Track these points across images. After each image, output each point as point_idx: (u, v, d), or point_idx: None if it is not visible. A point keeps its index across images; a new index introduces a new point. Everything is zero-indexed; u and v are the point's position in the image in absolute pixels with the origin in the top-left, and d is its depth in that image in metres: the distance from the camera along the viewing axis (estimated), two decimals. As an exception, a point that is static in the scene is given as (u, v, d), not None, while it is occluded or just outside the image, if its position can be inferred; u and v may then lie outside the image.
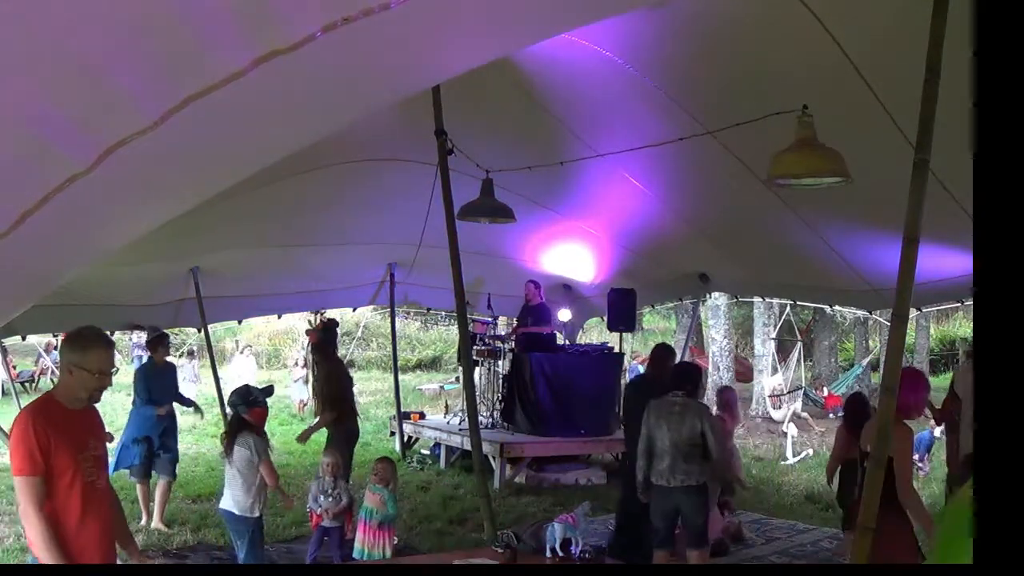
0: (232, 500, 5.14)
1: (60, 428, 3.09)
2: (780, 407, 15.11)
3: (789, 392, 15.41)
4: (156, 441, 7.42)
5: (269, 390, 5.63)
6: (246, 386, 5.69)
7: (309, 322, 9.11)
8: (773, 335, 16.92)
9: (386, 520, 5.72)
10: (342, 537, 6.00)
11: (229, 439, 5.18)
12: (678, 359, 13.98)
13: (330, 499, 5.90)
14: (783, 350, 17.22)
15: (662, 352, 6.83)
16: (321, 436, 7.41)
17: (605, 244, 9.58)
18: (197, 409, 8.53)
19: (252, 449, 5.11)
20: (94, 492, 3.17)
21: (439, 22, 1.66)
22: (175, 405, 7.80)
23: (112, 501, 3.38)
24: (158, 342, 7.85)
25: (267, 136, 1.92)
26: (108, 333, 3.74)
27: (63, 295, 7.28)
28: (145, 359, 8.78)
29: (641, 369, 16.95)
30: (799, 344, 16.59)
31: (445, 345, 26.15)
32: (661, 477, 5.28)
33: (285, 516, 7.35)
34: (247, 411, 5.25)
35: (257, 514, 5.17)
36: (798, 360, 16.44)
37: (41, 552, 3.04)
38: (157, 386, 7.58)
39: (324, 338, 7.51)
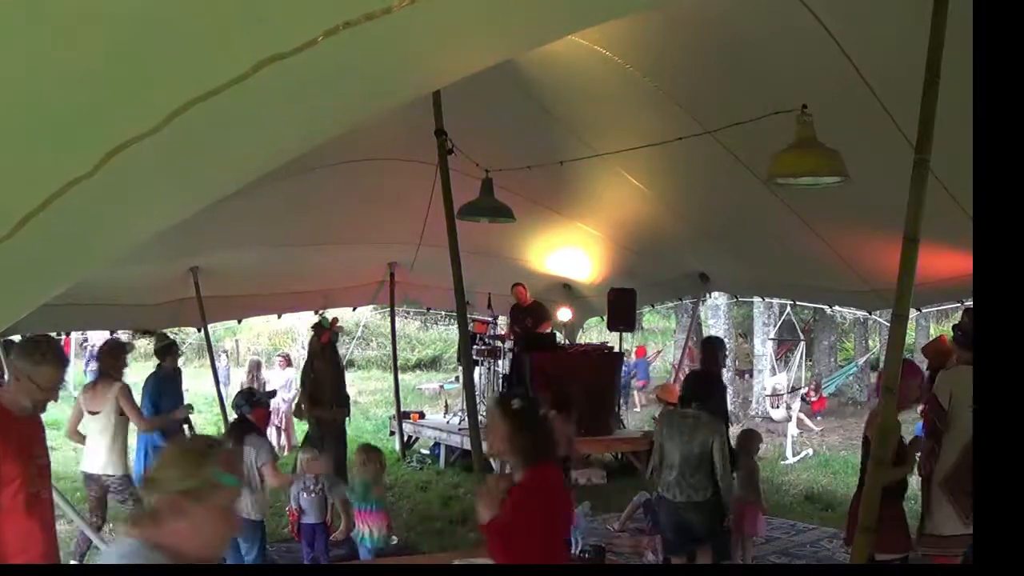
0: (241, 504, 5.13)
1: (9, 436, 3.01)
2: (779, 407, 15.11)
3: (788, 392, 15.39)
4: None
5: (272, 393, 5.72)
6: (250, 388, 5.77)
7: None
8: (772, 335, 16.91)
9: (366, 505, 5.66)
10: (327, 535, 5.99)
11: (236, 441, 5.17)
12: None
13: (312, 495, 5.87)
14: (781, 349, 17.21)
15: (712, 345, 6.81)
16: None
17: (605, 244, 9.58)
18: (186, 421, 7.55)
19: (257, 451, 5.15)
20: (37, 503, 3.08)
21: (442, 26, 1.66)
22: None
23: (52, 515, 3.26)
24: (167, 351, 7.46)
25: (269, 140, 1.92)
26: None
27: (63, 295, 7.22)
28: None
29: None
30: (801, 344, 16.56)
31: (445, 345, 26.13)
32: (668, 490, 5.22)
33: (284, 516, 7.35)
34: (251, 411, 5.32)
35: (263, 517, 5.19)
36: (799, 360, 16.39)
37: None
38: (166, 396, 7.19)
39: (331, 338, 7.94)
